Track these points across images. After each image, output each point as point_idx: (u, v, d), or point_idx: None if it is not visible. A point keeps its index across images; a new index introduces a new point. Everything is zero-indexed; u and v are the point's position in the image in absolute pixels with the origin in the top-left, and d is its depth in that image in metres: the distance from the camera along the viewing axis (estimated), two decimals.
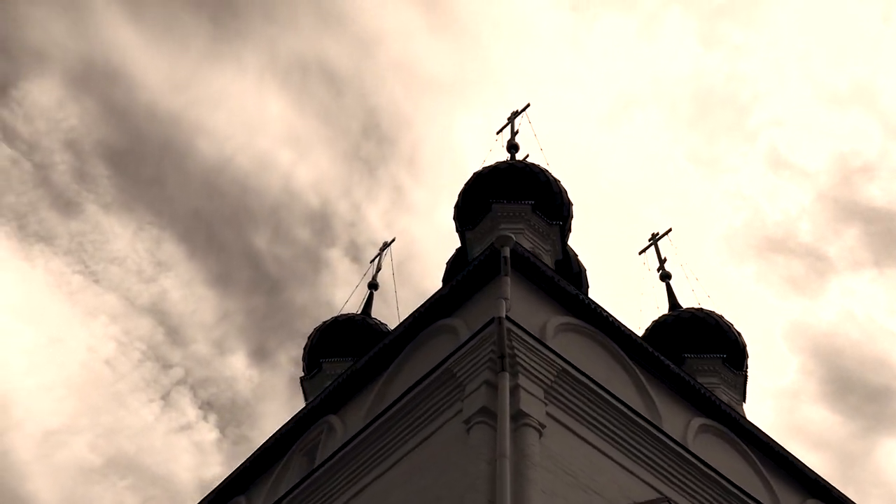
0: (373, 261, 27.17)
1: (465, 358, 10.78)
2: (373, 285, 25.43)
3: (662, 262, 24.00)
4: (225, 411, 57.94)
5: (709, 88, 66.08)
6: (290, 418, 16.82)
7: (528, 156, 20.29)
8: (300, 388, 21.82)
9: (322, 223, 61.45)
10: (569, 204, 18.75)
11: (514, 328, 10.60)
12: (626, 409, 11.44)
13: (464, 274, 12.99)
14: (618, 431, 11.24)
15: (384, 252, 26.99)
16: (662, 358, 13.50)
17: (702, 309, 21.21)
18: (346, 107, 61.65)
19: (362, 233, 62.37)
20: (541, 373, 10.66)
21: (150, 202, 57.01)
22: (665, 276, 23.52)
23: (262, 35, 58.78)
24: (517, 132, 23.20)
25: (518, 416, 9.68)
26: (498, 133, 24.62)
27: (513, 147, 22.51)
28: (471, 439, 9.65)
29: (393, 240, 27.18)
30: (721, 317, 20.77)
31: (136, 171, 56.63)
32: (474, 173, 19.40)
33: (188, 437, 55.05)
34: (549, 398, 10.54)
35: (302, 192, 60.98)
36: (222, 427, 57.79)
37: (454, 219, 19.61)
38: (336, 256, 62.76)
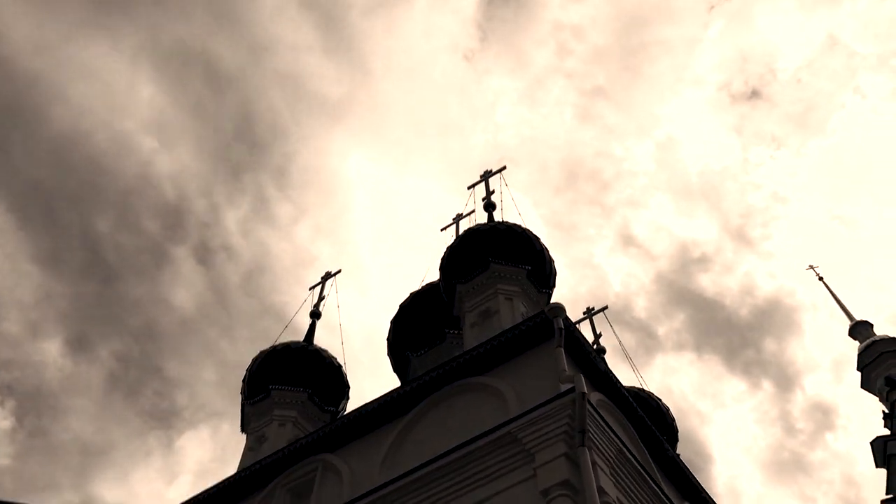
0: (312, 288, 26.60)
1: (533, 426, 10.95)
2: (315, 314, 24.85)
3: None
4: (26, 399, 53.31)
5: (578, 160, 70.44)
6: (272, 451, 16.22)
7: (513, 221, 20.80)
8: (239, 409, 20.85)
9: (175, 218, 58.87)
10: (554, 274, 19.42)
11: (588, 405, 10.91)
12: (657, 490, 12.01)
13: (507, 337, 13.19)
14: None
15: (327, 281, 26.51)
16: (665, 442, 14.24)
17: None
18: (223, 106, 59.88)
19: (216, 236, 60.28)
20: (608, 449, 11.03)
21: None
22: None
23: (148, 15, 56.26)
24: (493, 192, 23.79)
25: (600, 493, 9.95)
26: (469, 188, 25.15)
27: (490, 206, 23.06)
28: None
29: (338, 271, 26.77)
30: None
31: None
32: (470, 230, 19.71)
33: None
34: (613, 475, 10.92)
35: (159, 183, 58.22)
36: (20, 415, 53.24)
37: (441, 269, 19.72)
38: (182, 255, 60.15)
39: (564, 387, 11.45)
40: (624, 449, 11.58)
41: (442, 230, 30.06)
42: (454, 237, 29.05)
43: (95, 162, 54.37)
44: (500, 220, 20.04)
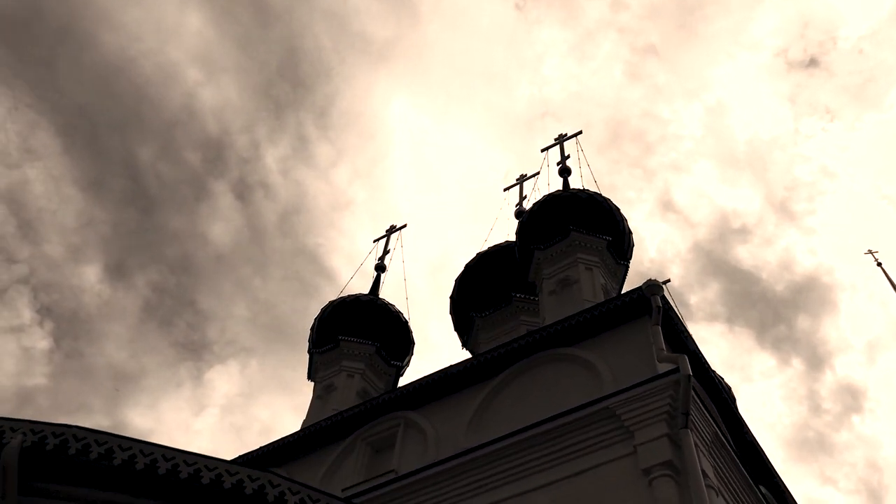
0: (377, 240, 26.71)
1: (633, 403, 10.96)
2: (380, 267, 25.00)
3: None
4: (63, 321, 54.44)
5: (623, 119, 69.23)
6: (344, 403, 16.56)
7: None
8: (306, 358, 21.19)
9: (216, 152, 58.95)
10: (632, 246, 19.26)
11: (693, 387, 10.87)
12: (746, 475, 12.03)
13: (601, 310, 13.15)
14: (737, 490, 11.77)
15: (391, 234, 26.60)
16: (745, 425, 14.19)
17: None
18: (269, 40, 59.25)
19: (255, 173, 60.42)
20: (706, 432, 11.03)
21: (34, 83, 51.58)
22: None
23: None
24: (568, 156, 23.52)
25: (703, 477, 9.97)
26: (543, 150, 24.91)
27: (565, 171, 22.83)
28: (655, 490, 9.86)
29: (404, 225, 26.83)
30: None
31: (26, 46, 50.91)
32: (551, 195, 19.54)
33: (17, 339, 51.55)
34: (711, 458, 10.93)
35: (202, 115, 58.16)
36: (58, 337, 54.49)
37: (518, 233, 19.65)
38: (221, 190, 60.41)
39: (663, 366, 11.44)
40: (719, 432, 11.58)
41: (505, 190, 30.08)
42: (518, 198, 29.37)
43: (141, 90, 54.42)
44: (581, 188, 19.80)
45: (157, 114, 55.71)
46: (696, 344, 13.55)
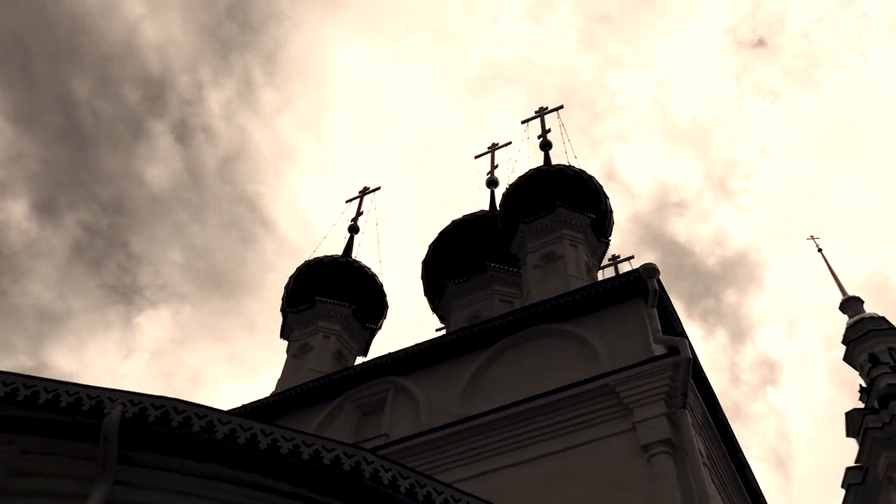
0: (349, 201, 26.60)
1: (632, 381, 11.41)
2: (353, 229, 24.93)
3: None
4: None
5: (573, 87, 70.13)
6: (341, 368, 16.62)
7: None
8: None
9: (156, 91, 57.42)
10: (612, 225, 19.68)
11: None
12: (725, 449, 12.71)
13: (596, 290, 13.53)
14: (723, 467, 12.44)
15: (364, 196, 26.51)
16: (718, 403, 14.87)
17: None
18: None
19: (197, 114, 59.08)
20: (698, 412, 11.58)
21: None
22: None
23: None
24: (549, 130, 23.74)
25: (699, 454, 10.51)
26: (524, 122, 25.10)
27: (546, 144, 23.07)
28: (653, 466, 10.36)
29: (378, 188, 26.74)
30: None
31: None
32: (538, 169, 19.75)
33: None
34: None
35: (143, 51, 56.49)
36: None
37: (501, 206, 19.85)
38: (160, 130, 59.03)
39: (658, 348, 11.91)
40: (706, 412, 12.17)
41: (476, 157, 30.22)
42: (489, 166, 29.53)
43: (79, 21, 52.23)
44: (567, 165, 20.05)
45: (95, 47, 53.51)
46: (682, 326, 14.08)
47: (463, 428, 12.26)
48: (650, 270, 13.05)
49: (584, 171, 19.64)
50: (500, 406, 12.28)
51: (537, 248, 17.98)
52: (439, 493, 5.75)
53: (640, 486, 10.20)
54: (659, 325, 12.46)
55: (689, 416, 10.92)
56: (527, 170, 20.33)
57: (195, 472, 5.79)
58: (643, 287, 13.01)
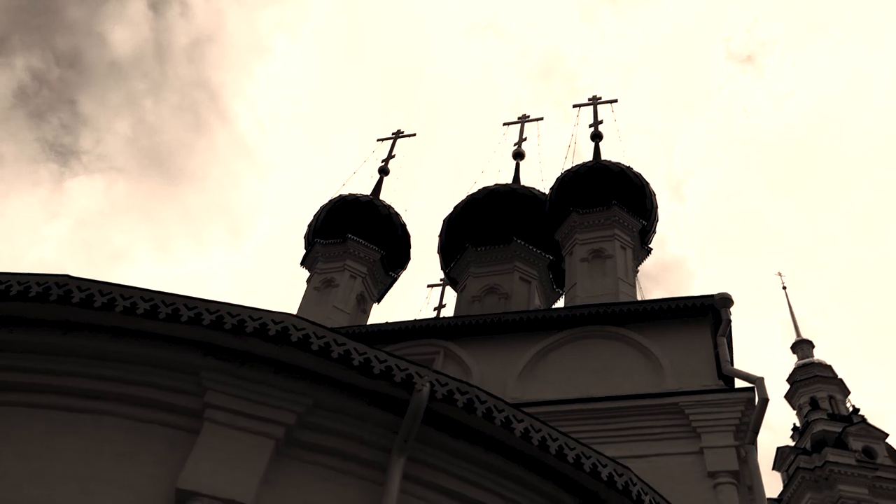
0: (381, 140, 26.14)
1: (704, 407, 11.70)
2: (383, 170, 24.55)
3: None
4: None
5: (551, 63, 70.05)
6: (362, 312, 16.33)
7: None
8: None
9: None
10: (653, 235, 19.92)
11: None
12: None
13: (669, 305, 13.73)
14: None
15: (398, 139, 26.08)
16: None
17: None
18: None
19: None
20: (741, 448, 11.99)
21: None
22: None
23: None
24: (601, 121, 23.66)
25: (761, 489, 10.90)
26: (575, 107, 24.95)
27: (597, 136, 23.02)
28: (719, 494, 10.72)
29: (413, 134, 26.31)
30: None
31: None
32: (601, 163, 19.73)
33: None
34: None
35: None
36: None
37: (554, 189, 19.79)
38: None
39: (738, 381, 12.23)
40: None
41: (505, 125, 29.97)
42: (518, 137, 29.34)
43: None
44: (627, 165, 20.05)
45: None
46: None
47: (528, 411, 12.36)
48: (725, 300, 13.30)
49: (643, 177, 19.74)
50: (563, 398, 12.44)
51: (588, 241, 18.08)
52: None
53: None
54: (728, 355, 12.77)
55: (755, 452, 11.30)
56: (586, 160, 20.36)
57: (477, 461, 5.71)
58: (716, 314, 13.28)
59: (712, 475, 10.96)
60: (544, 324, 14.15)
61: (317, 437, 5.61)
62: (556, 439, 5.78)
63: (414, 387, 5.48)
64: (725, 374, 12.43)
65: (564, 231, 18.84)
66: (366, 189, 23.52)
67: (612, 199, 18.52)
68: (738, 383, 12.71)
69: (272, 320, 5.45)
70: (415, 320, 15.33)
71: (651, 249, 19.44)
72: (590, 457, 5.81)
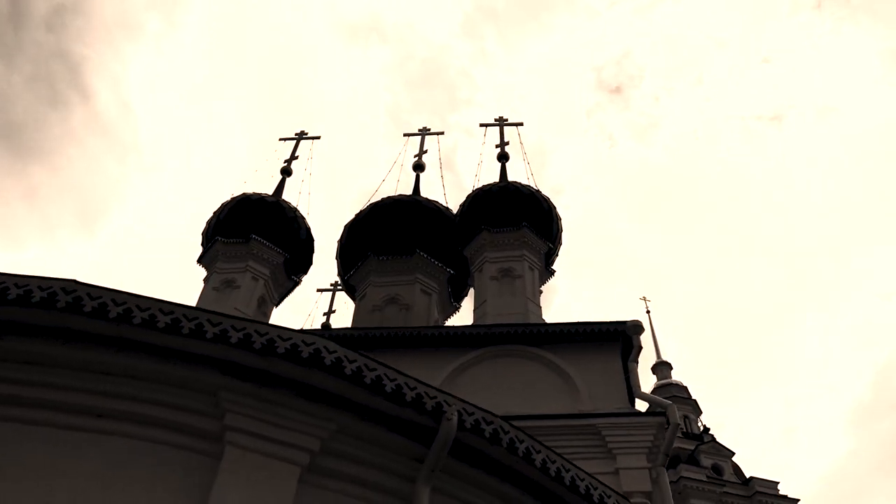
0: (283, 139, 25.52)
1: (619, 429, 12.19)
2: (286, 171, 23.94)
3: None
4: None
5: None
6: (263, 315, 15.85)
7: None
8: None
9: None
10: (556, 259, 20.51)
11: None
12: None
13: (585, 329, 14.21)
14: None
15: (301, 140, 25.54)
16: None
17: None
18: None
19: None
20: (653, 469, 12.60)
21: None
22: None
23: None
24: (507, 142, 24.18)
25: None
26: (482, 126, 25.38)
27: (504, 156, 23.50)
28: None
29: (318, 136, 25.81)
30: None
31: None
32: (513, 184, 20.12)
33: None
34: None
35: None
36: None
37: (466, 205, 20.01)
38: None
39: (646, 405, 12.83)
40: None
41: (406, 135, 30.03)
42: (417, 150, 29.48)
43: None
44: (536, 189, 20.56)
45: None
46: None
47: None
48: (636, 327, 13.94)
49: (551, 201, 20.34)
50: None
51: (498, 259, 18.42)
52: None
53: None
54: (638, 380, 13.38)
55: (665, 475, 11.89)
56: (495, 180, 20.76)
57: (495, 492, 5.60)
58: (626, 340, 13.89)
59: (627, 496, 11.42)
60: (462, 340, 14.28)
61: (340, 464, 5.37)
62: (569, 470, 5.89)
63: (444, 415, 5.38)
64: (637, 397, 13.02)
65: (475, 248, 19.10)
66: (265, 188, 22.90)
67: (522, 220, 18.96)
68: (642, 406, 13.35)
69: (303, 341, 5.18)
70: (325, 329, 15.05)
71: (554, 272, 20.05)
72: (597, 488, 5.95)
